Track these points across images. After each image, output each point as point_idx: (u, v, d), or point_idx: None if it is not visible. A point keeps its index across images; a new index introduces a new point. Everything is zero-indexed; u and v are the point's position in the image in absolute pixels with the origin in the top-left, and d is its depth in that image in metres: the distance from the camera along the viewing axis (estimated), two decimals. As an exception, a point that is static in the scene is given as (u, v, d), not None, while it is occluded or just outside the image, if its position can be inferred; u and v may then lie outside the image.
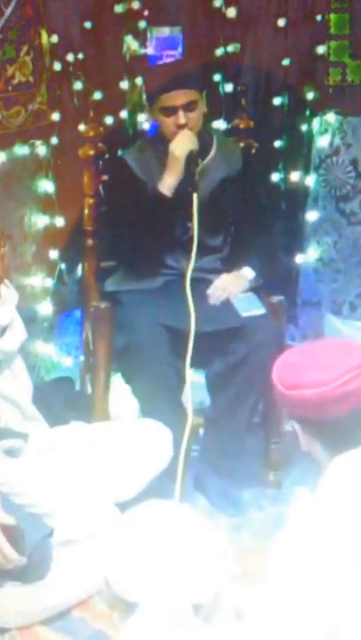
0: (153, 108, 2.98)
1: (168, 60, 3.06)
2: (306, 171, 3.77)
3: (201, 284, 2.90)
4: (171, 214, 2.98)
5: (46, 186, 3.44)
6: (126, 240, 3.02)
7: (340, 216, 3.79)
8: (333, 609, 1.61)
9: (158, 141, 3.04)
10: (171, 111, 2.93)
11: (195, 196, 2.89)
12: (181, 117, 2.92)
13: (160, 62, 3.08)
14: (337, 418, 1.77)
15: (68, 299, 3.57)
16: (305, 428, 1.86)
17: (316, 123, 3.74)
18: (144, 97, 3.15)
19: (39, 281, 3.49)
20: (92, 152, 3.21)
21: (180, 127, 2.92)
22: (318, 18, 3.65)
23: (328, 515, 1.68)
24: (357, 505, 1.66)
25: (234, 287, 2.96)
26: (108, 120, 3.52)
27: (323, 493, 1.74)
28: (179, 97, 2.91)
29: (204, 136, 3.04)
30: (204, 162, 3.01)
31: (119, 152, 3.34)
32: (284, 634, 1.64)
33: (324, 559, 1.63)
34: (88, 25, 3.49)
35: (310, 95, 3.70)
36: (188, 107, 2.93)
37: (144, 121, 3.66)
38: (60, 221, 3.47)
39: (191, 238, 2.91)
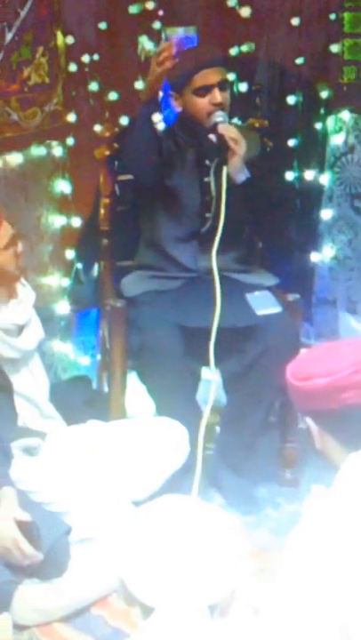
0: (184, 92, 2.96)
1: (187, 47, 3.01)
2: (320, 169, 3.76)
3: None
4: (189, 199, 3.00)
5: (62, 186, 3.46)
6: (144, 236, 3.02)
7: (354, 214, 3.78)
8: (346, 607, 1.62)
9: (179, 128, 3.01)
10: (205, 90, 2.94)
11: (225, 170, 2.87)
12: (218, 95, 2.93)
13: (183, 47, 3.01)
14: (350, 410, 1.77)
15: (84, 298, 3.58)
16: (319, 423, 1.85)
17: (330, 121, 3.74)
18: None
19: (56, 280, 3.51)
20: (107, 152, 3.23)
21: (216, 106, 2.93)
22: (332, 16, 3.63)
23: (344, 513, 1.68)
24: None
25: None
26: (124, 120, 3.53)
27: (338, 491, 1.74)
28: (214, 74, 2.94)
29: None
30: None
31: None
32: (299, 630, 1.64)
33: (338, 557, 1.63)
34: (103, 26, 3.49)
35: (325, 94, 3.69)
36: (222, 85, 2.96)
37: (158, 122, 3.67)
38: (76, 221, 3.49)
39: (210, 231, 2.89)
